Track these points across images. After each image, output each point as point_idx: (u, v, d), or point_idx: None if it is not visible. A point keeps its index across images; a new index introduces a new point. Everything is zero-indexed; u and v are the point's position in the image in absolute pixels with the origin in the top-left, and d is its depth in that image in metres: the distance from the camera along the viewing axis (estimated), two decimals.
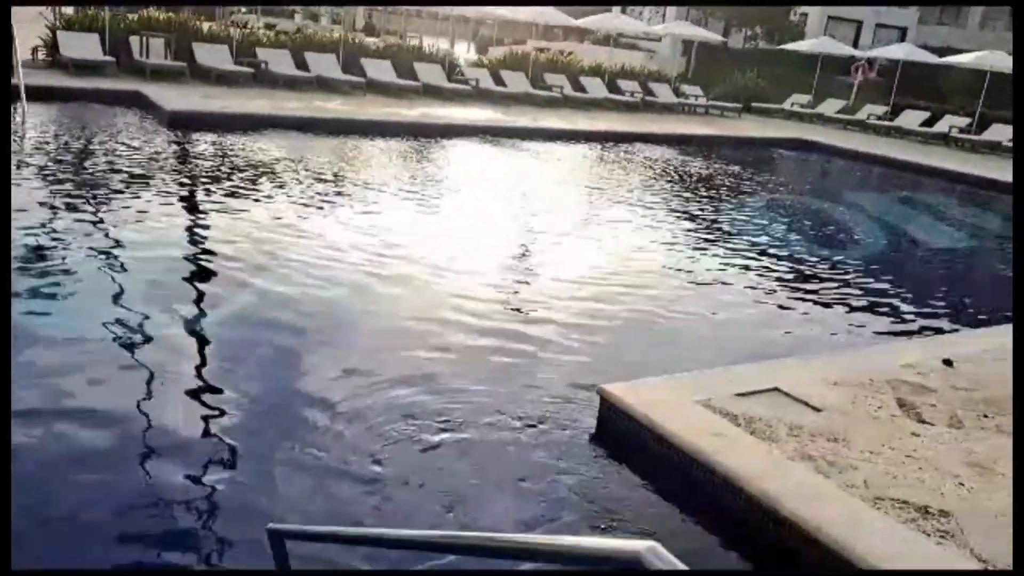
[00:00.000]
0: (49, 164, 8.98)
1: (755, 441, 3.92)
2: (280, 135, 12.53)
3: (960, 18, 43.99)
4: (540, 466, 4.02)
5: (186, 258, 6.64)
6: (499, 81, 21.86)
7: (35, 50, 16.92)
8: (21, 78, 11.98)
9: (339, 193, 9.53)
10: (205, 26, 19.46)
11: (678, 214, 10.77)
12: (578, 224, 9.65)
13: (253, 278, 6.27)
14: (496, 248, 8.23)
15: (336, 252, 7.10)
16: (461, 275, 6.99)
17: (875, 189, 16.60)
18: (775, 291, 7.65)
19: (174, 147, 10.93)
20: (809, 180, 17.00)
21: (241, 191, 8.97)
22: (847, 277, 8.41)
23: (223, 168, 10.03)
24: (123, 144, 10.57)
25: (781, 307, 7.25)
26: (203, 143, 11.50)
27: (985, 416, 4.54)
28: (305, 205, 8.73)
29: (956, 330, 7.01)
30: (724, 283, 7.73)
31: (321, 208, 8.77)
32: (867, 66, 28.19)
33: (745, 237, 9.76)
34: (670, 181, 13.28)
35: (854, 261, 9.25)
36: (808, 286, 7.93)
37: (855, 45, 36.02)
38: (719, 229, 10.10)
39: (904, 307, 7.65)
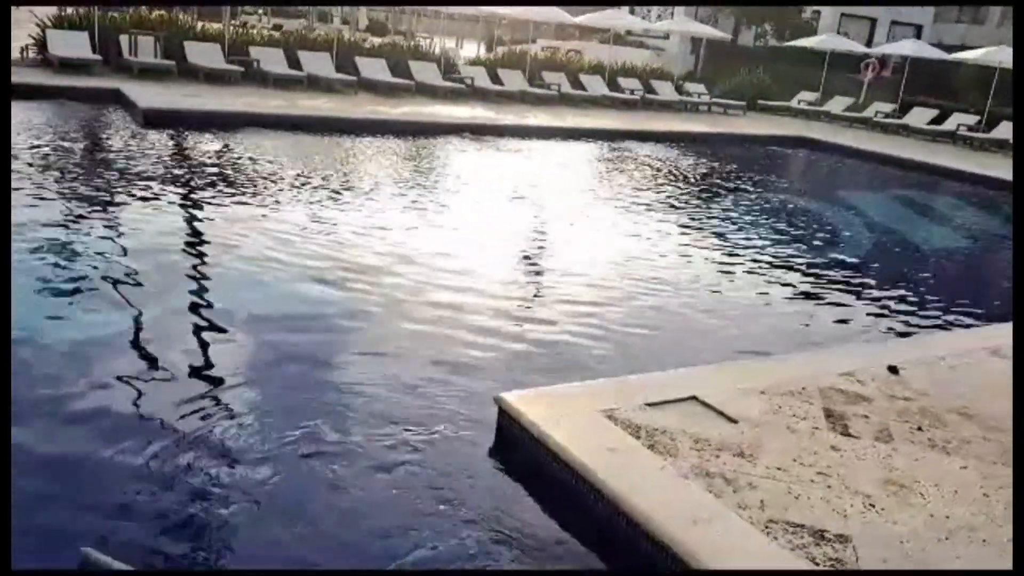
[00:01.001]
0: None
1: (651, 456, 3.62)
2: (254, 133, 12.33)
3: (978, 16, 43.11)
4: (422, 478, 3.75)
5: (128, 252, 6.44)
6: (496, 79, 21.59)
7: (25, 48, 16.88)
8: None
9: (289, 189, 9.28)
10: (198, 24, 19.37)
11: (652, 211, 10.44)
12: (544, 223, 9.36)
13: (169, 277, 6.05)
14: (445, 246, 7.93)
15: (263, 250, 6.87)
16: (417, 269, 6.73)
17: (870, 187, 16.14)
18: (761, 289, 7.36)
19: (138, 144, 10.74)
20: (802, 177, 16.59)
21: (193, 187, 8.77)
22: (830, 276, 8.12)
23: (181, 164, 9.87)
24: (87, 141, 10.43)
25: (765, 304, 7.02)
26: (171, 140, 11.31)
27: (919, 429, 4.21)
28: (245, 201, 8.51)
29: (936, 330, 6.66)
30: (703, 282, 7.48)
31: (264, 204, 8.53)
32: (877, 64, 27.59)
33: (725, 235, 9.44)
34: (651, 178, 12.95)
35: (840, 260, 8.93)
36: (789, 280, 7.63)
37: (869, 43, 35.30)
38: (695, 227, 9.77)
39: (881, 306, 7.32)
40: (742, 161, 16.01)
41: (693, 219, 10.35)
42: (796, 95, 26.71)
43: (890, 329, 6.73)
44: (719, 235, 9.53)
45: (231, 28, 19.84)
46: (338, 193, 9.37)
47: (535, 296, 6.67)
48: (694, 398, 4.28)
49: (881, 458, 3.84)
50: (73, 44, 16.33)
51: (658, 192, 11.80)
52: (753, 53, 33.81)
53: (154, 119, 12.13)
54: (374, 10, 45.04)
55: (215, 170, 9.76)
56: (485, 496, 3.68)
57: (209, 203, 8.29)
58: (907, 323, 6.91)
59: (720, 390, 4.40)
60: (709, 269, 7.99)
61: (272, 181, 9.51)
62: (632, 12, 37.63)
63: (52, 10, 17.83)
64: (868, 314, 7.11)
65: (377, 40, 24.98)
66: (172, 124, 12.09)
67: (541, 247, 8.50)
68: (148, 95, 13.32)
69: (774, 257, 8.70)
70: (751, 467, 3.62)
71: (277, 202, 8.69)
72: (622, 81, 23.96)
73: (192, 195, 8.50)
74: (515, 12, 23.71)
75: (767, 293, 7.43)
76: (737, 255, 8.60)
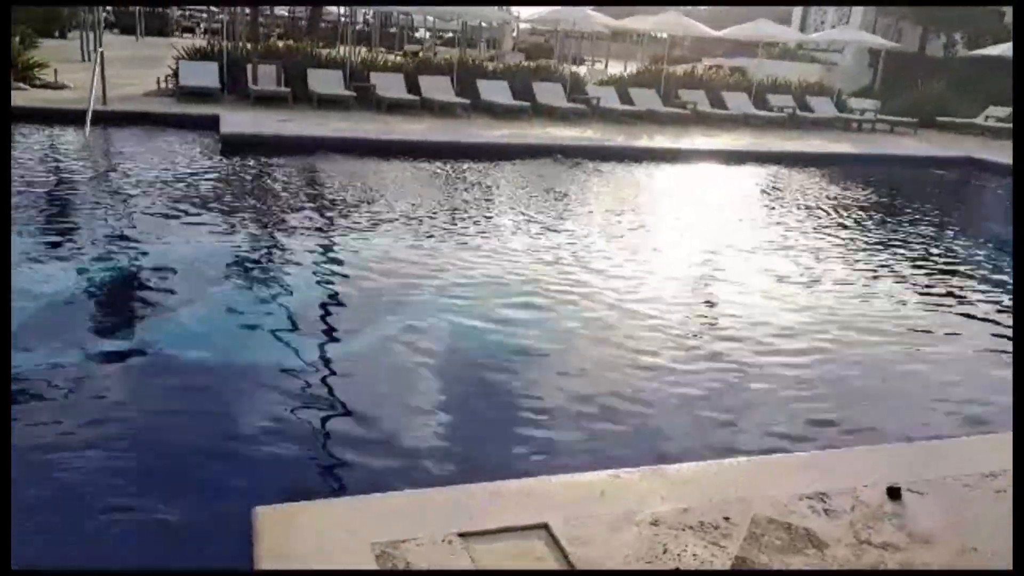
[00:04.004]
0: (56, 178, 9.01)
1: None
2: (324, 157, 11.99)
3: None
4: None
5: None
6: (626, 99, 20.36)
7: (164, 79, 17.77)
8: (91, 104, 12.38)
9: (314, 214, 8.71)
10: (324, 52, 19.74)
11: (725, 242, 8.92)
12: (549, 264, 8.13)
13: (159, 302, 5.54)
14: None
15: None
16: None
17: None
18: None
19: (196, 166, 10.70)
20: (951, 204, 14.02)
21: (220, 208, 8.45)
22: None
23: (225, 186, 9.67)
24: (149, 164, 10.53)
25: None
26: (231, 164, 11.16)
27: None
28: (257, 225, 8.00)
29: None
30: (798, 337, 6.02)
31: (279, 230, 8.00)
32: None
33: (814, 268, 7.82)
34: (748, 203, 11.32)
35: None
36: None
37: None
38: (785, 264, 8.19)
39: None
40: (881, 186, 13.81)
41: (787, 255, 8.72)
42: (984, 110, 23.38)
43: None
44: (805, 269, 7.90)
45: (355, 55, 20.03)
46: (332, 211, 8.75)
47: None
48: (545, 527, 3.05)
49: None
50: (200, 74, 16.93)
51: (745, 221, 10.19)
52: (943, 64, 30.19)
53: (231, 143, 12.12)
54: (537, 34, 44.82)
55: (262, 191, 9.44)
56: None
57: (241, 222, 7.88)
58: None
59: (594, 513, 3.14)
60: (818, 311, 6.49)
61: (288, 202, 9.04)
62: (803, 28, 34.98)
63: (190, 43, 18.80)
64: None
65: (500, 60, 24.45)
66: (249, 148, 11.99)
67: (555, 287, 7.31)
68: (237, 121, 13.40)
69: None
70: None
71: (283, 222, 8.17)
72: (771, 98, 21.96)
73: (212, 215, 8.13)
74: (637, 23, 22.49)
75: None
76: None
